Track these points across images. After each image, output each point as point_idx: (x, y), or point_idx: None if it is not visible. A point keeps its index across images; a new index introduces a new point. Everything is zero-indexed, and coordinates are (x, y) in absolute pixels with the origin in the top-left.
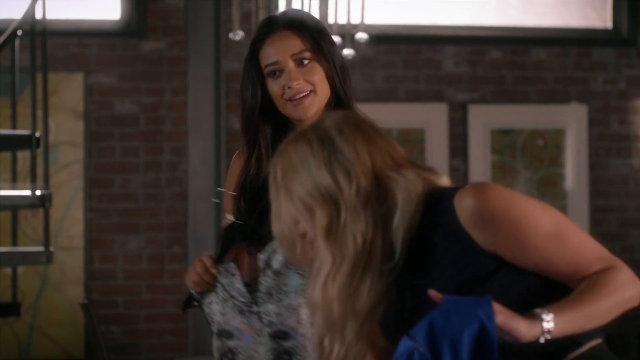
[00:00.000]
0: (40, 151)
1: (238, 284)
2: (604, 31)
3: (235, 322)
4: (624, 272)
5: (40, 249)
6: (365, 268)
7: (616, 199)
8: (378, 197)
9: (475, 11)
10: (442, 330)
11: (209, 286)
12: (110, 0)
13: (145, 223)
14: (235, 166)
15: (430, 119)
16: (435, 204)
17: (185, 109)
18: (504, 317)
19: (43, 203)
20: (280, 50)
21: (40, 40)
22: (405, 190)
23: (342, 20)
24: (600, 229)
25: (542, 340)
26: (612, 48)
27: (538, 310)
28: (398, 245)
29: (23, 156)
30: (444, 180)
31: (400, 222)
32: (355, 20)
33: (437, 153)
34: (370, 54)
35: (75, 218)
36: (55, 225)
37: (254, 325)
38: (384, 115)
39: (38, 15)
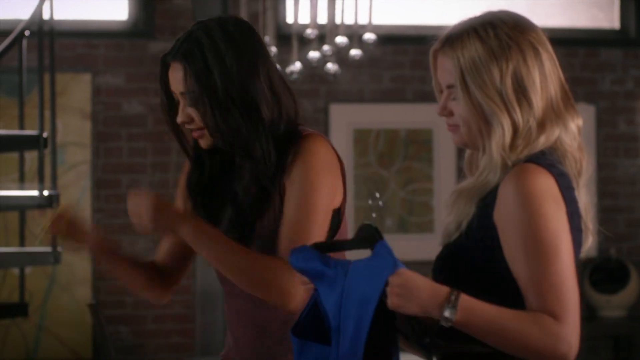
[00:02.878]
0: (48, 151)
1: None
2: (612, 32)
3: None
4: (562, 328)
5: (48, 249)
6: None
7: (624, 200)
8: None
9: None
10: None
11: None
12: (117, 0)
13: None
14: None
15: (437, 119)
16: None
17: None
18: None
19: (51, 203)
20: (172, 84)
21: (48, 41)
22: None
23: (350, 21)
24: (607, 229)
25: (442, 322)
26: (619, 48)
27: (450, 292)
28: None
29: (31, 156)
30: None
31: None
32: (363, 20)
33: (444, 153)
34: (378, 55)
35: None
36: None
37: None
38: (392, 115)
39: (46, 16)
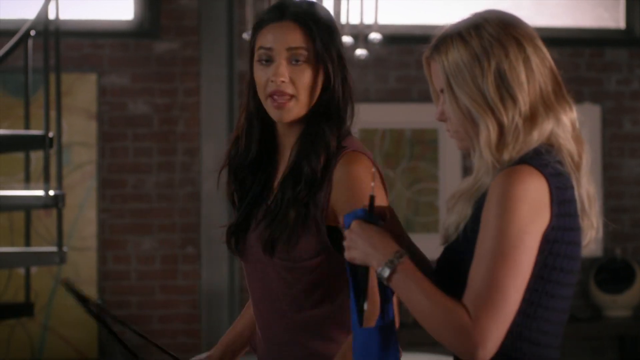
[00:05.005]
0: (53, 151)
1: None
2: (617, 31)
3: None
4: (473, 328)
5: (54, 249)
6: None
7: (629, 200)
8: None
9: None
10: None
11: None
12: (123, 0)
13: (158, 224)
14: None
15: None
16: None
17: (198, 110)
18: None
19: (56, 203)
20: (279, 39)
21: (54, 41)
22: None
23: (355, 21)
24: (613, 229)
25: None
26: (625, 48)
27: (398, 249)
28: None
29: (36, 156)
30: None
31: None
32: (368, 20)
33: (450, 154)
34: (384, 54)
35: (89, 218)
36: (69, 226)
37: None
38: (397, 115)
39: (51, 16)
